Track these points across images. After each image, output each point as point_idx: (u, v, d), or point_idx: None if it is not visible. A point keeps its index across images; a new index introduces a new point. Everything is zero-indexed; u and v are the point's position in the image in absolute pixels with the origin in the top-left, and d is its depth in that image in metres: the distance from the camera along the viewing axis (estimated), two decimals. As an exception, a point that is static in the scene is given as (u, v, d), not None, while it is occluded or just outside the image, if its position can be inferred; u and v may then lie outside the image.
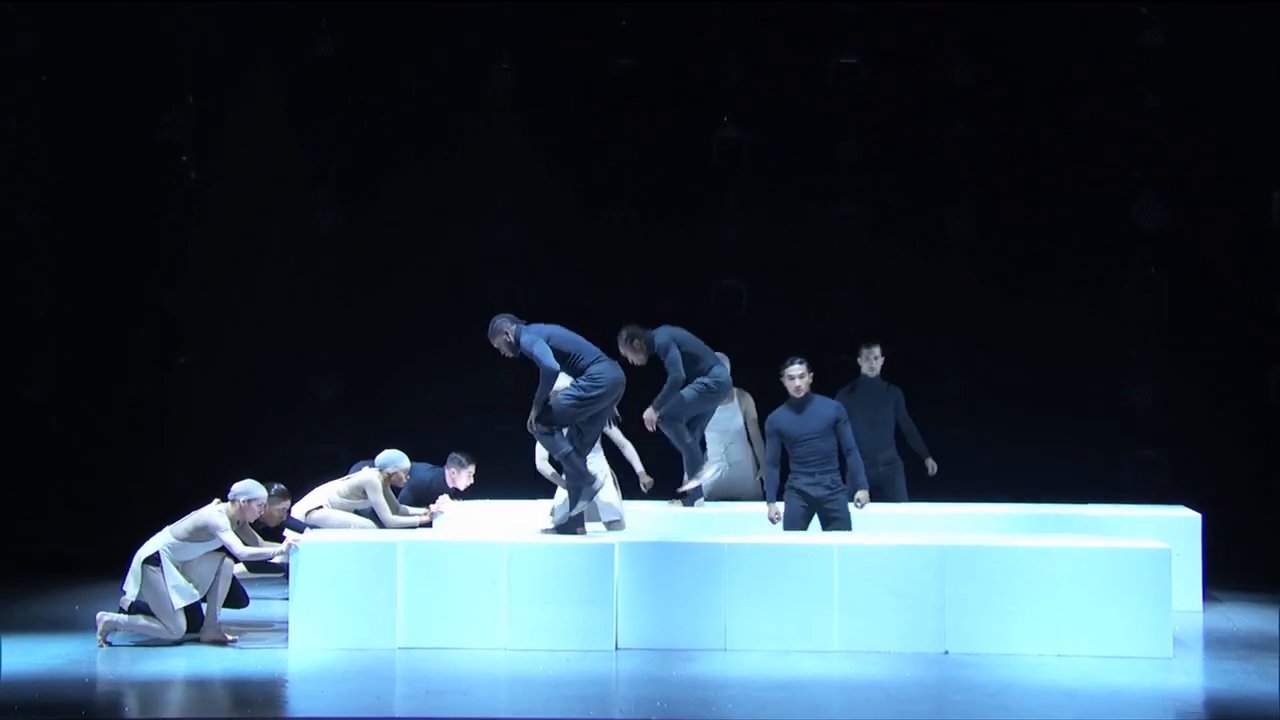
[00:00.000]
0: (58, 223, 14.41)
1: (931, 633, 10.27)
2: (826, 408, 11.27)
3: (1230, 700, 9.27)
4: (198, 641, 10.49)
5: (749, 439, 12.54)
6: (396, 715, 9.07)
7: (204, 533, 10.46)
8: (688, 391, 11.80)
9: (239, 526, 10.55)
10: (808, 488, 11.18)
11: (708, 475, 12.01)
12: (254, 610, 11.15)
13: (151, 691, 9.51)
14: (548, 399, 10.57)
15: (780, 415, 11.30)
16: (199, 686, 9.66)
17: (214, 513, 10.52)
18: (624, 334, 11.85)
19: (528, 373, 10.79)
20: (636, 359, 11.79)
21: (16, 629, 10.65)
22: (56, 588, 12.57)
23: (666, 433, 11.87)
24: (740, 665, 9.93)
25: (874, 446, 12.44)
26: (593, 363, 10.66)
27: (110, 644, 10.47)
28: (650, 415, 11.74)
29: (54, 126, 14.38)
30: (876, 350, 12.75)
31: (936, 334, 12.88)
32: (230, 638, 10.53)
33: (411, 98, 14.45)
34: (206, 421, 14.24)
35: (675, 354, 11.75)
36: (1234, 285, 14.02)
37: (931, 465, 12.81)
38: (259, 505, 10.65)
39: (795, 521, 11.23)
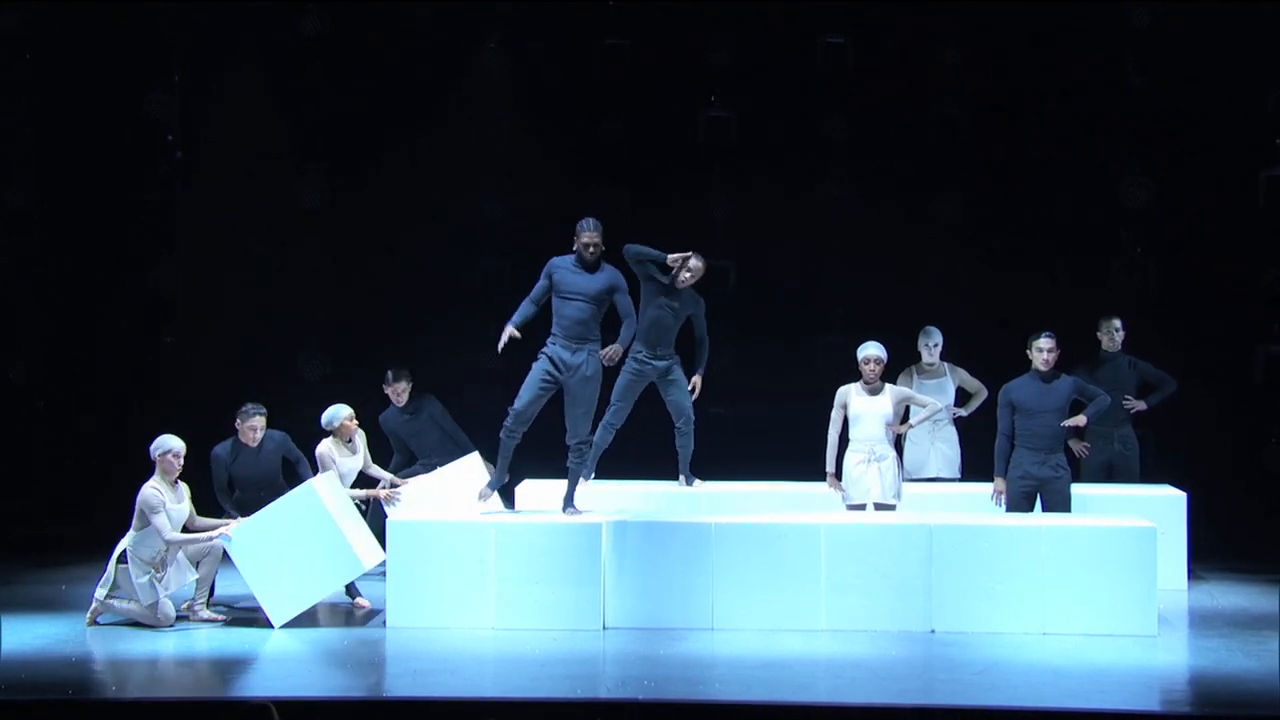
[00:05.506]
0: (44, 201, 14.36)
1: (918, 612, 10.31)
2: (1065, 383, 11.07)
3: (1214, 678, 9.30)
4: (187, 619, 10.54)
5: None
6: (384, 695, 9.06)
7: (144, 518, 10.41)
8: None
9: (174, 487, 10.46)
10: (1033, 467, 11.01)
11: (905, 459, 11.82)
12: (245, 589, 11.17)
13: (130, 671, 9.51)
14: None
15: (1019, 386, 11.08)
16: (181, 666, 9.67)
17: (146, 493, 10.42)
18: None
19: (516, 356, 10.76)
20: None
21: (3, 609, 10.63)
22: (43, 568, 12.56)
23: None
24: (727, 644, 9.96)
25: (1113, 423, 12.07)
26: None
27: (99, 623, 10.49)
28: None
29: (40, 104, 14.32)
30: (1116, 323, 12.36)
31: (922, 314, 12.85)
32: (219, 618, 10.54)
33: (399, 75, 14.41)
34: (193, 401, 14.20)
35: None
36: (1220, 265, 14.04)
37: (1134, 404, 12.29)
38: (173, 455, 10.51)
39: (1020, 503, 11.05)
